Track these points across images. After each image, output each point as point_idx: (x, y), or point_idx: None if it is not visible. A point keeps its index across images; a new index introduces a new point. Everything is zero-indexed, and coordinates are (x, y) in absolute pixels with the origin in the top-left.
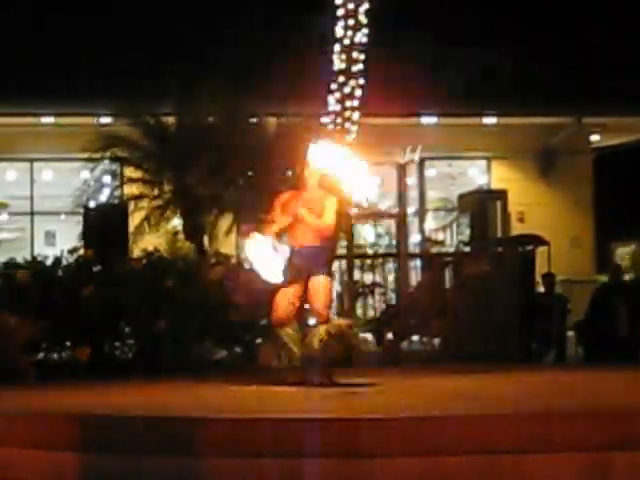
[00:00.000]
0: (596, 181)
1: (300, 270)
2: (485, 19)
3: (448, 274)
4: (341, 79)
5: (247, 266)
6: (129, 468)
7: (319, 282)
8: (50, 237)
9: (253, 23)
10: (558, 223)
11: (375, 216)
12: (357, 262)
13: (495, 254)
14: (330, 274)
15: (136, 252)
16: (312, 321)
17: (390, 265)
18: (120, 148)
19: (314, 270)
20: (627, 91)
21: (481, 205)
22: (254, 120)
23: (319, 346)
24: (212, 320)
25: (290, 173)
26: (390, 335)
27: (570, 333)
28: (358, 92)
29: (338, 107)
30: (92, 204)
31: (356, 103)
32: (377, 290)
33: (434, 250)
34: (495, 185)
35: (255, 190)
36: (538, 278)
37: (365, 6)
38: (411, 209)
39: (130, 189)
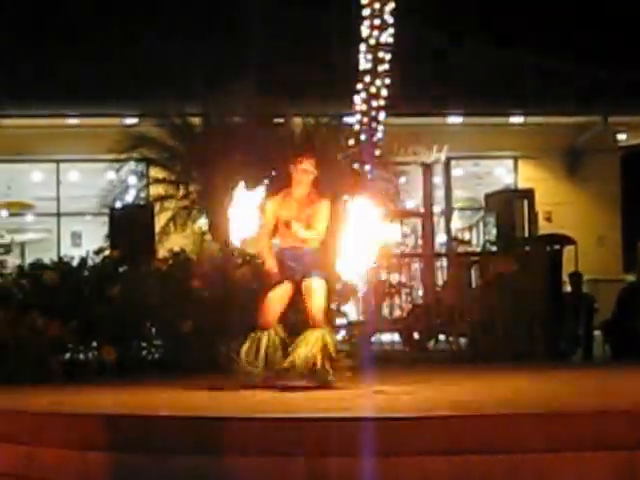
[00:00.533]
0: (623, 180)
1: (291, 271)
2: (510, 19)
3: (475, 273)
4: (367, 79)
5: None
6: (156, 468)
7: (312, 285)
8: (76, 238)
9: (278, 23)
10: (585, 222)
11: (401, 215)
12: (383, 262)
13: (522, 253)
14: (325, 277)
15: (162, 252)
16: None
17: (416, 265)
18: (146, 148)
19: (307, 272)
20: None
21: (508, 204)
22: (280, 120)
23: (304, 354)
24: (238, 320)
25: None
26: (417, 335)
27: (597, 332)
28: (384, 92)
29: (364, 107)
30: (118, 205)
31: (382, 103)
32: (403, 290)
33: (461, 249)
34: (522, 184)
35: (281, 190)
36: (565, 277)
37: (391, 5)
38: (437, 209)
39: (156, 189)
